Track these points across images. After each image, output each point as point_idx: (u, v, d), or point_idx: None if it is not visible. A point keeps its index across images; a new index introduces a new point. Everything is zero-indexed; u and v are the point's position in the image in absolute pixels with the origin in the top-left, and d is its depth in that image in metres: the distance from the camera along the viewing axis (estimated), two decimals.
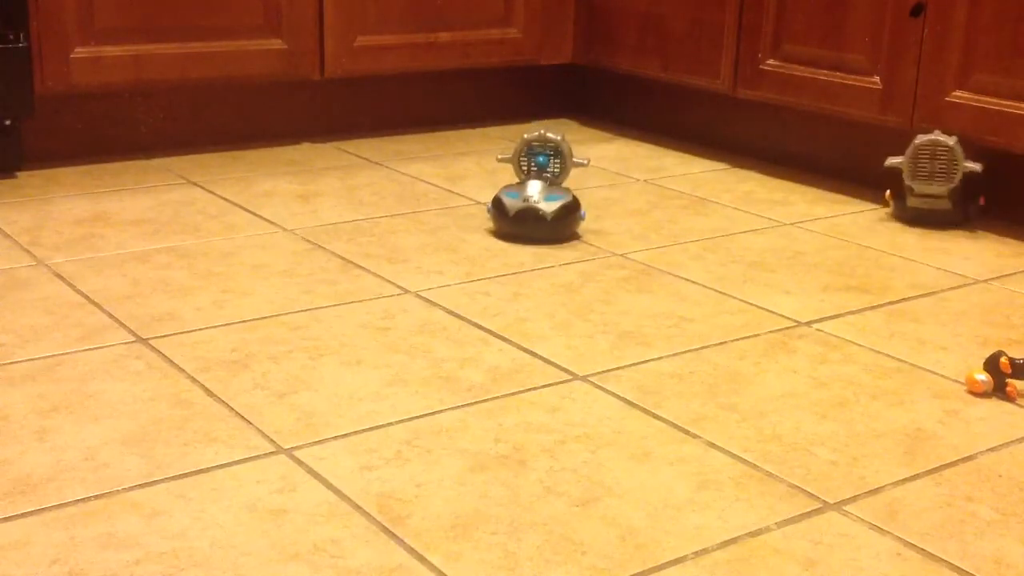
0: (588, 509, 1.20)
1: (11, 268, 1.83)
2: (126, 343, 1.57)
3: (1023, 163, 2.18)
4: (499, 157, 2.19)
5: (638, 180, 2.50)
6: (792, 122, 2.61)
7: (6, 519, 1.15)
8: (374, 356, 1.55)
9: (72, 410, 1.37)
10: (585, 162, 2.17)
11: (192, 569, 1.07)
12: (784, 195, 2.41)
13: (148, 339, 1.58)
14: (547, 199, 2.03)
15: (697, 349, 1.61)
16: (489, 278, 1.86)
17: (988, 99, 2.15)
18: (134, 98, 2.52)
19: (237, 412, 1.38)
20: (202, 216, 2.13)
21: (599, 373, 1.53)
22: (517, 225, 2.03)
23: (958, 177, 2.15)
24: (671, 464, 1.30)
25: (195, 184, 2.34)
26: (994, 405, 1.47)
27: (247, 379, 1.47)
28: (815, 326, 1.71)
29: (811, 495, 1.24)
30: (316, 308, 1.71)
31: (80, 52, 2.33)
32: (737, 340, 1.65)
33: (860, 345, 1.64)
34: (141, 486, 1.21)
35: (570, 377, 1.51)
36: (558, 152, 2.14)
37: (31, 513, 1.16)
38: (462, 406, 1.42)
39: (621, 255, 2.00)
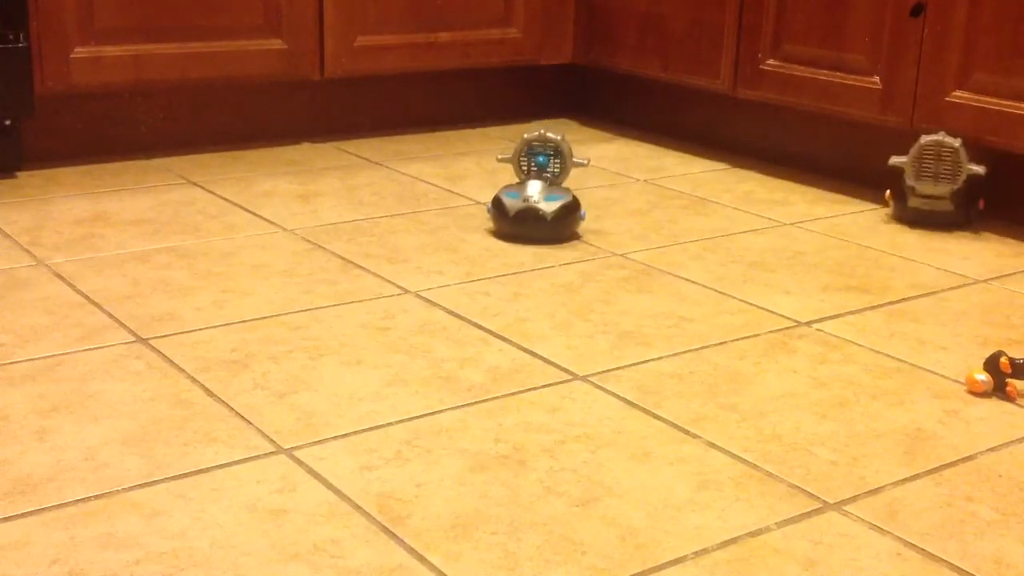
0: (588, 509, 1.20)
1: (11, 268, 1.83)
2: (126, 343, 1.57)
3: (1023, 163, 2.18)
4: (499, 157, 2.19)
5: (638, 180, 2.50)
6: (792, 122, 2.61)
7: (6, 519, 1.15)
8: (374, 356, 1.55)
9: (72, 410, 1.37)
10: (585, 162, 2.17)
11: (192, 569, 1.07)
12: (784, 195, 2.41)
13: (148, 339, 1.58)
14: (547, 199, 2.03)
15: (697, 349, 1.61)
16: (489, 278, 1.87)
17: (988, 99, 2.15)
18: (134, 98, 2.52)
19: (237, 412, 1.38)
20: (202, 216, 2.13)
21: (599, 373, 1.53)
22: (517, 225, 2.03)
23: (962, 179, 2.14)
24: (671, 464, 1.30)
25: (195, 184, 2.34)
26: (994, 405, 1.47)
27: (247, 379, 1.47)
28: (815, 326, 1.71)
29: (811, 495, 1.24)
30: (316, 308, 1.71)
31: (80, 52, 2.33)
32: (737, 340, 1.65)
33: (860, 345, 1.64)
34: (141, 486, 1.21)
35: (570, 377, 1.51)
36: (558, 152, 2.14)
37: (31, 513, 1.16)
38: (462, 406, 1.42)
39: (621, 255, 2.00)
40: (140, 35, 2.39)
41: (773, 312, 1.76)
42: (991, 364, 1.49)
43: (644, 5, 2.74)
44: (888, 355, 1.61)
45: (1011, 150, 2.14)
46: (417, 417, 1.39)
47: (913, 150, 2.17)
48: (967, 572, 1.11)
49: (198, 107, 2.61)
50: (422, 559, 1.10)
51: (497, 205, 2.05)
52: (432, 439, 1.33)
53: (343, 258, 1.93)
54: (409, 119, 2.89)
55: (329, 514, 1.17)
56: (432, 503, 1.20)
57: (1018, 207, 2.23)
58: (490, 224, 2.11)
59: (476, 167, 2.55)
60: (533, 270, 1.91)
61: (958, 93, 2.19)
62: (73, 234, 2.00)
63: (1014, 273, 1.97)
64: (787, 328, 1.70)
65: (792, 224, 2.21)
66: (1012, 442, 1.38)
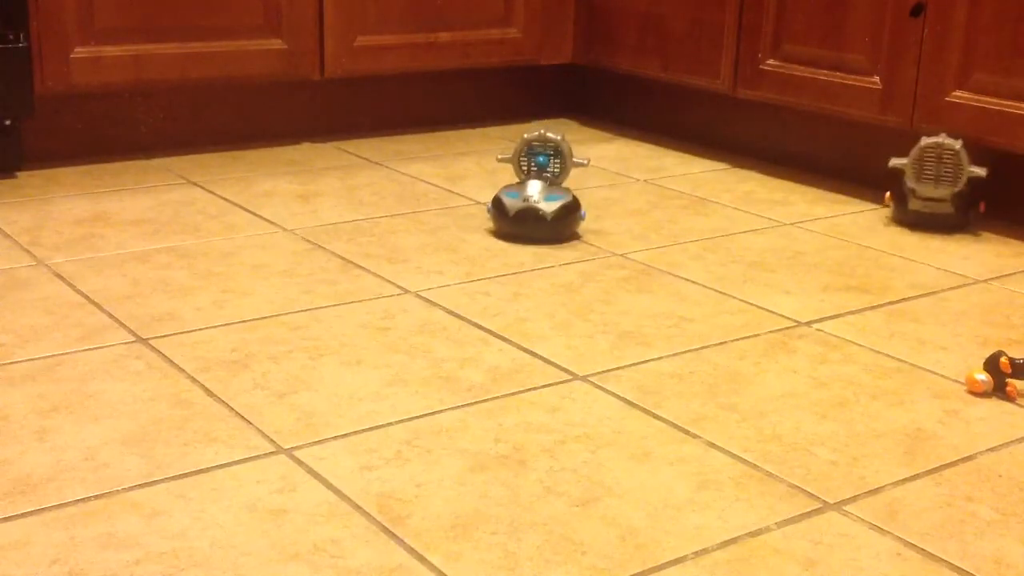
0: (588, 509, 1.20)
1: (11, 268, 1.83)
2: (126, 343, 1.57)
3: (1023, 163, 2.18)
4: (499, 157, 2.19)
5: (638, 180, 2.50)
6: (792, 122, 2.61)
7: (6, 519, 1.15)
8: (374, 356, 1.55)
9: (72, 410, 1.37)
10: (585, 162, 2.17)
11: (192, 569, 1.07)
12: (784, 195, 2.41)
13: (148, 339, 1.58)
14: (547, 199, 2.03)
15: (697, 349, 1.61)
16: (489, 278, 1.87)
17: (988, 99, 2.15)
18: (134, 98, 2.52)
19: (237, 412, 1.38)
20: (202, 216, 2.13)
21: (599, 373, 1.53)
22: (517, 225, 2.03)
23: (963, 181, 2.13)
24: (671, 464, 1.30)
25: (195, 184, 2.34)
26: (994, 405, 1.47)
27: (247, 379, 1.47)
28: (815, 326, 1.71)
29: (811, 495, 1.24)
30: (316, 308, 1.71)
31: (80, 52, 2.33)
32: (737, 340, 1.65)
33: (860, 345, 1.64)
34: (141, 486, 1.21)
35: (570, 377, 1.51)
36: (558, 152, 2.14)
37: (31, 513, 1.16)
38: (462, 406, 1.42)
39: (621, 255, 2.00)
40: (140, 35, 2.39)
41: (773, 312, 1.76)
42: (991, 364, 1.49)
43: (644, 5, 2.74)
44: (888, 355, 1.61)
45: (1011, 150, 2.14)
46: (417, 417, 1.39)
47: (913, 152, 2.17)
48: (967, 572, 1.11)
49: (198, 107, 2.61)
50: (422, 559, 1.10)
51: (497, 205, 2.05)
52: (432, 439, 1.33)
53: (343, 258, 1.93)
54: (409, 119, 2.89)
55: (329, 514, 1.17)
56: (432, 503, 1.20)
57: (1018, 207, 2.23)
58: (490, 224, 2.11)
59: (476, 167, 2.55)
60: (533, 270, 1.91)
61: (958, 93, 2.19)
62: (73, 234, 2.00)
63: (1014, 273, 1.97)
64: (787, 328, 1.70)
65: (792, 224, 2.21)
66: (1012, 442, 1.38)
